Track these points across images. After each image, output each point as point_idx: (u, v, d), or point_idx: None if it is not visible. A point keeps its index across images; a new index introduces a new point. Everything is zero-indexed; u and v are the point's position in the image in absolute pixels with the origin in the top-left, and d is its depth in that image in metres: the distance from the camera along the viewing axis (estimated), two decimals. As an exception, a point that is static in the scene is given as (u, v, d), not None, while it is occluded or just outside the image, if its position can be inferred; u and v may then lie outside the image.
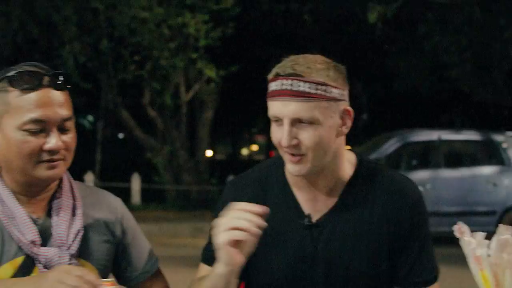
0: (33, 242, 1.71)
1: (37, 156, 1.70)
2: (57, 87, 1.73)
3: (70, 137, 1.75)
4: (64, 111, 1.73)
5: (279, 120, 1.80)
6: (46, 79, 1.72)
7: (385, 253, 1.90)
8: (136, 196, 15.55)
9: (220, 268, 1.72)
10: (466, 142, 11.53)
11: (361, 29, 15.21)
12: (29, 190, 1.77)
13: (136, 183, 15.12)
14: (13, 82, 1.71)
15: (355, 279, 1.88)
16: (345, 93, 1.84)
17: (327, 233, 1.88)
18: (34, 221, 1.75)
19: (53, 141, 1.70)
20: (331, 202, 1.90)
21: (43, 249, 1.73)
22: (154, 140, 15.72)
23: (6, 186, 1.77)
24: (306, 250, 1.88)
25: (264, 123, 33.19)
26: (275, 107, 1.80)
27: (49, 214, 1.79)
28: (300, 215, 1.90)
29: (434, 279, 1.95)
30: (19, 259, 1.72)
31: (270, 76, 1.83)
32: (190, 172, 15.58)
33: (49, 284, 1.51)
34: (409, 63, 15.25)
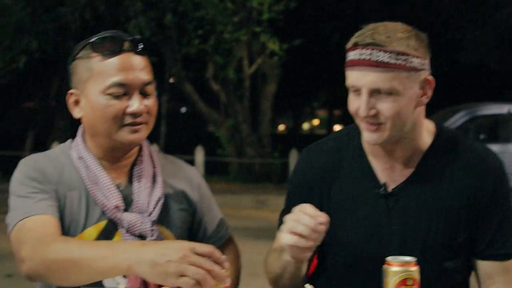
0: (117, 207, 1.74)
1: (121, 120, 1.73)
2: (138, 52, 1.77)
3: (151, 101, 1.78)
4: (145, 75, 1.77)
5: (357, 90, 1.76)
6: (126, 44, 1.76)
7: (463, 225, 1.84)
8: (200, 169, 15.71)
9: (287, 257, 1.71)
10: (537, 116, 11.13)
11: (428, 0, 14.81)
12: (112, 155, 1.80)
13: (200, 155, 15.26)
14: (95, 47, 1.75)
15: (431, 250, 1.83)
16: (426, 62, 1.78)
17: (402, 203, 1.84)
18: (117, 187, 1.78)
19: (135, 104, 1.73)
20: (408, 172, 1.85)
21: (126, 214, 1.75)
22: (217, 113, 15.80)
23: (90, 152, 1.80)
24: (381, 219, 1.84)
25: (325, 98, 33.02)
26: (353, 77, 1.76)
27: (130, 180, 1.82)
28: (376, 184, 1.86)
29: None
30: (102, 223, 1.75)
31: (348, 45, 1.78)
32: (252, 145, 15.62)
33: (175, 254, 1.41)
34: (476, 35, 14.78)
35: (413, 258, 1.57)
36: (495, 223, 1.84)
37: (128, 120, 1.74)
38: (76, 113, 1.81)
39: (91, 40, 1.76)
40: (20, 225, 1.66)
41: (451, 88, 17.85)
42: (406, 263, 1.55)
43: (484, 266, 1.86)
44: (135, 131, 1.75)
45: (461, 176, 1.85)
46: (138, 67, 1.75)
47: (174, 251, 1.40)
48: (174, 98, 22.91)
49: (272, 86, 16.05)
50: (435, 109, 14.44)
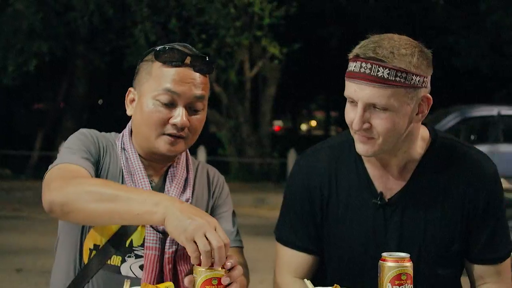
0: None
1: (162, 127, 1.74)
2: (197, 69, 1.76)
3: (197, 118, 1.78)
4: (198, 91, 1.76)
5: (353, 102, 1.71)
6: (188, 59, 1.75)
7: (458, 233, 1.81)
8: (202, 168, 15.65)
9: None
10: (526, 118, 11.12)
11: (422, 7, 14.78)
12: (150, 156, 1.82)
13: (201, 155, 15.22)
14: (158, 55, 1.76)
15: (426, 259, 1.81)
16: (427, 79, 1.71)
17: (399, 212, 1.81)
18: (150, 182, 1.79)
19: (179, 116, 1.73)
20: (403, 181, 1.81)
21: None
22: (219, 114, 15.78)
23: (135, 147, 1.83)
24: (378, 228, 1.82)
25: (323, 100, 32.98)
26: (351, 89, 1.70)
27: (164, 180, 1.83)
28: (372, 193, 1.82)
29: (507, 255, 1.85)
30: None
31: (350, 55, 1.71)
32: (253, 145, 15.60)
33: (200, 220, 1.46)
34: (470, 40, 14.76)
35: (407, 254, 1.57)
36: (489, 229, 1.81)
37: (169, 130, 1.74)
38: (129, 110, 1.83)
39: (157, 48, 1.77)
40: (58, 167, 1.69)
41: (444, 91, 17.83)
42: (401, 259, 1.55)
43: (476, 268, 1.84)
44: (172, 143, 1.75)
45: (456, 184, 1.80)
46: (193, 81, 1.75)
47: (201, 217, 1.46)
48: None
49: (272, 88, 16.04)
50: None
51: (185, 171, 1.86)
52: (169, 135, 1.74)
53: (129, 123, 1.87)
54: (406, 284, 1.53)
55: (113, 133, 1.90)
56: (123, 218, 1.54)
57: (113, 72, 21.01)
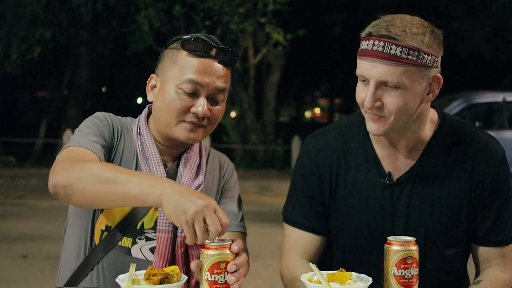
0: None
1: (183, 115, 1.78)
2: (221, 61, 1.79)
3: (217, 109, 1.82)
4: (220, 83, 1.79)
5: (365, 80, 1.72)
6: (213, 51, 1.78)
7: (465, 213, 1.82)
8: (206, 155, 15.68)
9: None
10: (531, 104, 11.08)
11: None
12: (167, 142, 1.85)
13: (206, 142, 15.22)
14: (185, 44, 1.78)
15: (433, 238, 1.82)
16: (438, 59, 1.73)
17: (407, 192, 1.82)
18: (164, 166, 1.82)
19: (201, 106, 1.77)
20: (411, 161, 1.83)
21: None
22: (223, 101, 15.77)
23: (151, 132, 1.85)
24: (386, 208, 1.83)
25: (327, 87, 32.90)
26: (363, 67, 1.71)
27: (177, 164, 1.87)
28: (381, 173, 1.83)
29: None
30: None
31: (362, 34, 1.72)
32: (256, 132, 15.59)
33: (200, 202, 1.47)
34: (473, 26, 14.68)
35: (412, 238, 1.57)
36: (495, 211, 1.82)
37: (189, 118, 1.77)
38: (150, 96, 1.86)
39: (183, 37, 1.80)
40: (67, 149, 1.72)
41: (449, 77, 17.74)
42: (407, 243, 1.55)
43: (482, 251, 1.85)
44: (192, 131, 1.79)
45: (463, 166, 1.81)
46: (216, 73, 1.78)
47: (201, 199, 1.47)
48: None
49: (276, 75, 16.00)
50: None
51: (198, 157, 1.90)
52: (190, 122, 1.77)
53: (145, 109, 1.91)
54: (411, 268, 1.54)
55: (129, 118, 1.94)
56: (122, 199, 1.56)
57: (117, 59, 21.00)
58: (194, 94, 1.77)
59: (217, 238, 1.46)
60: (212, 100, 1.80)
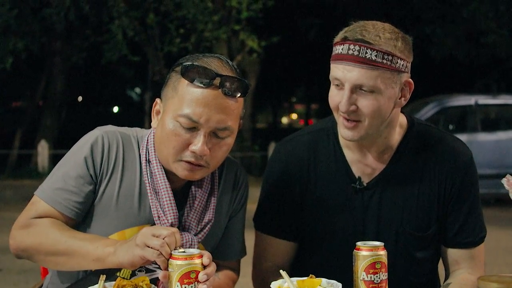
0: (172, 224, 1.65)
1: (181, 152, 1.60)
2: (226, 92, 1.58)
3: (220, 146, 1.62)
4: (223, 118, 1.58)
5: (339, 84, 1.74)
6: (217, 80, 1.57)
7: (434, 216, 1.85)
8: (183, 163, 15.58)
9: None
10: (503, 106, 11.30)
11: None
12: (171, 172, 1.68)
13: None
14: (184, 72, 1.58)
15: (404, 242, 1.84)
16: (409, 65, 1.76)
17: (377, 196, 1.84)
18: (173, 192, 1.67)
19: (199, 144, 1.58)
20: (381, 165, 1.85)
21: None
22: (200, 109, 15.72)
23: (158, 159, 1.68)
24: (357, 212, 1.85)
25: (303, 93, 33.01)
26: (338, 71, 1.73)
27: (188, 185, 1.73)
28: (351, 177, 1.85)
29: (481, 240, 1.88)
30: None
31: (337, 39, 1.75)
32: (234, 139, 15.58)
33: (138, 239, 1.46)
34: (446, 30, 14.86)
35: (381, 243, 1.59)
36: (464, 213, 1.85)
37: (187, 157, 1.59)
38: (153, 122, 1.69)
39: (185, 63, 1.59)
40: (33, 200, 1.67)
41: (423, 80, 17.95)
42: (375, 248, 1.57)
43: (451, 253, 1.88)
44: (191, 171, 1.61)
45: (432, 170, 1.84)
46: (220, 107, 1.57)
47: (138, 236, 1.47)
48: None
49: (252, 82, 16.03)
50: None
51: (206, 194, 1.73)
52: (188, 162, 1.60)
53: (153, 130, 1.74)
54: (380, 273, 1.56)
55: (137, 130, 1.77)
56: (81, 265, 1.57)
57: (91, 69, 20.85)
58: (193, 129, 1.58)
59: (181, 248, 1.46)
60: (215, 135, 1.60)
